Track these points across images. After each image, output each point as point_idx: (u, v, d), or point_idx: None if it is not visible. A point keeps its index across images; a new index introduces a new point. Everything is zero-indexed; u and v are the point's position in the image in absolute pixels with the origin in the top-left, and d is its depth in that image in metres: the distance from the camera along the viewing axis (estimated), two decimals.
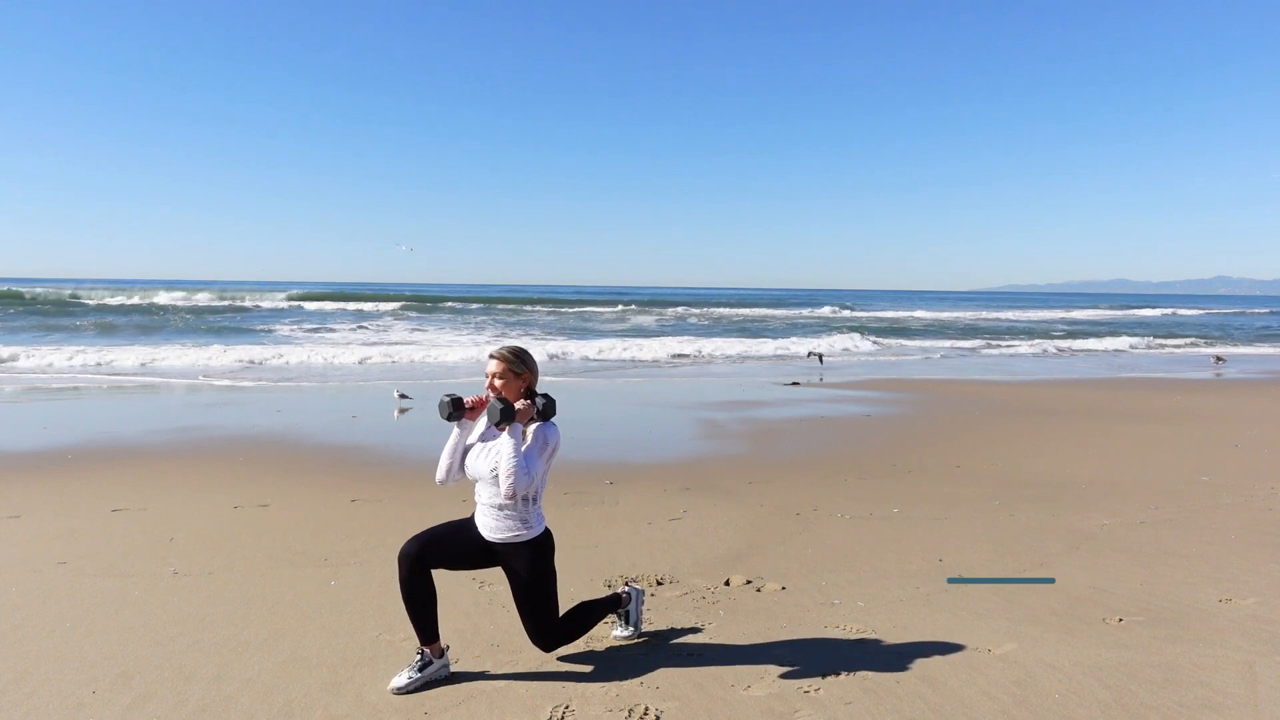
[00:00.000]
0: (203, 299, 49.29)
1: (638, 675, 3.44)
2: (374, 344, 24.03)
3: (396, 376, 16.02)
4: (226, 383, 14.61)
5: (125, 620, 4.00)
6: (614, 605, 3.79)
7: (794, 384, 15.32)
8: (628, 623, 3.86)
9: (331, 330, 31.08)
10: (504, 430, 3.36)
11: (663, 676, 3.43)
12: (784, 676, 3.43)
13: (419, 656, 3.37)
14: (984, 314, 60.15)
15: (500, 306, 55.05)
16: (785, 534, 5.58)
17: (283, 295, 57.04)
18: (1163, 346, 29.86)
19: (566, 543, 5.34)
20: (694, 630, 3.93)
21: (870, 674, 3.44)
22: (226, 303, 48.48)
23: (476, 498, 3.49)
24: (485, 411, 3.43)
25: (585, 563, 4.92)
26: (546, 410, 3.42)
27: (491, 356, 3.50)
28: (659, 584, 4.58)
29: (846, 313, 58.02)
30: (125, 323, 30.92)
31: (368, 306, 49.20)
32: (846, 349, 26.39)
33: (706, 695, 3.27)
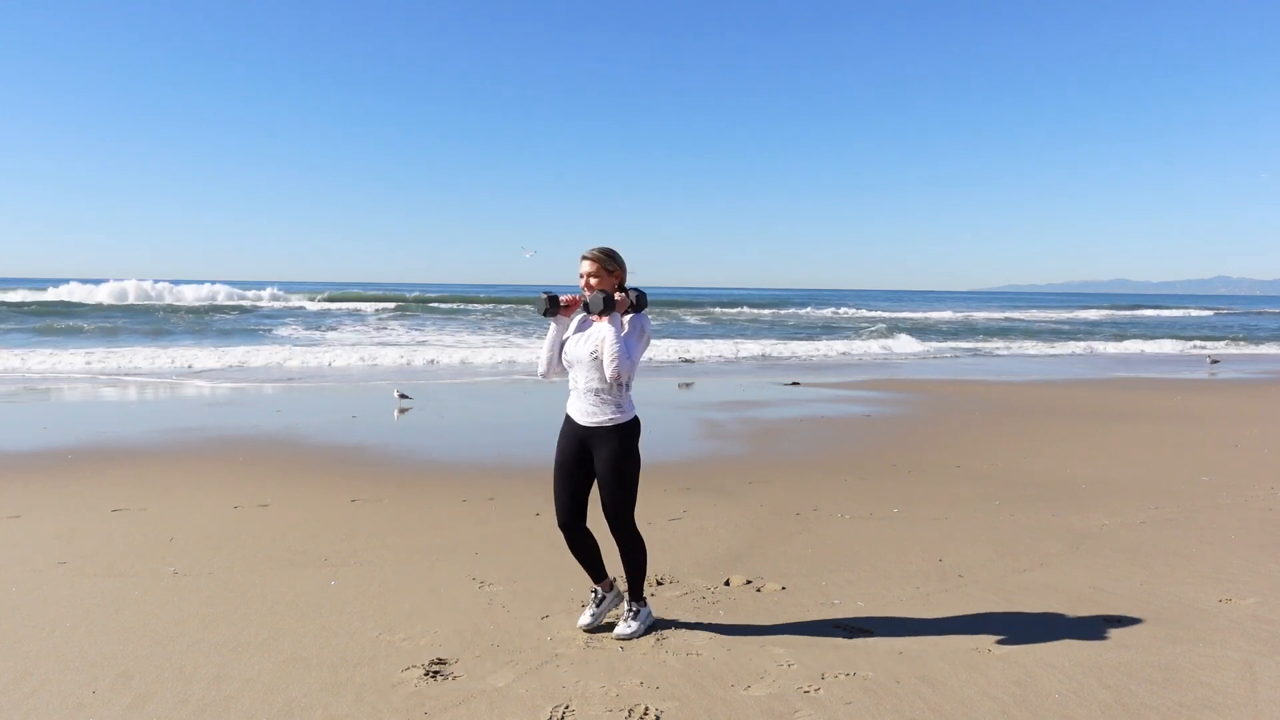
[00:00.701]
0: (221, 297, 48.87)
1: (638, 675, 3.44)
2: (366, 345, 23.96)
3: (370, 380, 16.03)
4: (207, 384, 14.61)
5: (125, 620, 4.00)
6: (640, 588, 3.93)
7: (794, 384, 15.32)
8: (635, 619, 3.87)
9: (332, 330, 31.05)
10: (603, 320, 3.68)
11: (663, 676, 3.43)
12: (784, 676, 3.43)
13: (594, 595, 3.99)
14: (1013, 314, 58.73)
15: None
16: (785, 534, 5.58)
17: (302, 295, 56.72)
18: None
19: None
20: (694, 630, 3.93)
21: (870, 674, 3.44)
22: (238, 302, 48.14)
23: (572, 385, 3.80)
24: (583, 305, 3.70)
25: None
26: (640, 302, 3.71)
27: (584, 257, 3.74)
28: (659, 584, 4.58)
29: (878, 312, 56.23)
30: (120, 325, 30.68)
31: (365, 306, 48.82)
32: (893, 351, 25.42)
33: (706, 695, 3.27)
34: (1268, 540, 5.42)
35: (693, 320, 42.99)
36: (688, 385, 15.19)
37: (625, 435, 3.72)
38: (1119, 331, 38.62)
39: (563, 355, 3.82)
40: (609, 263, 3.72)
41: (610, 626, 3.93)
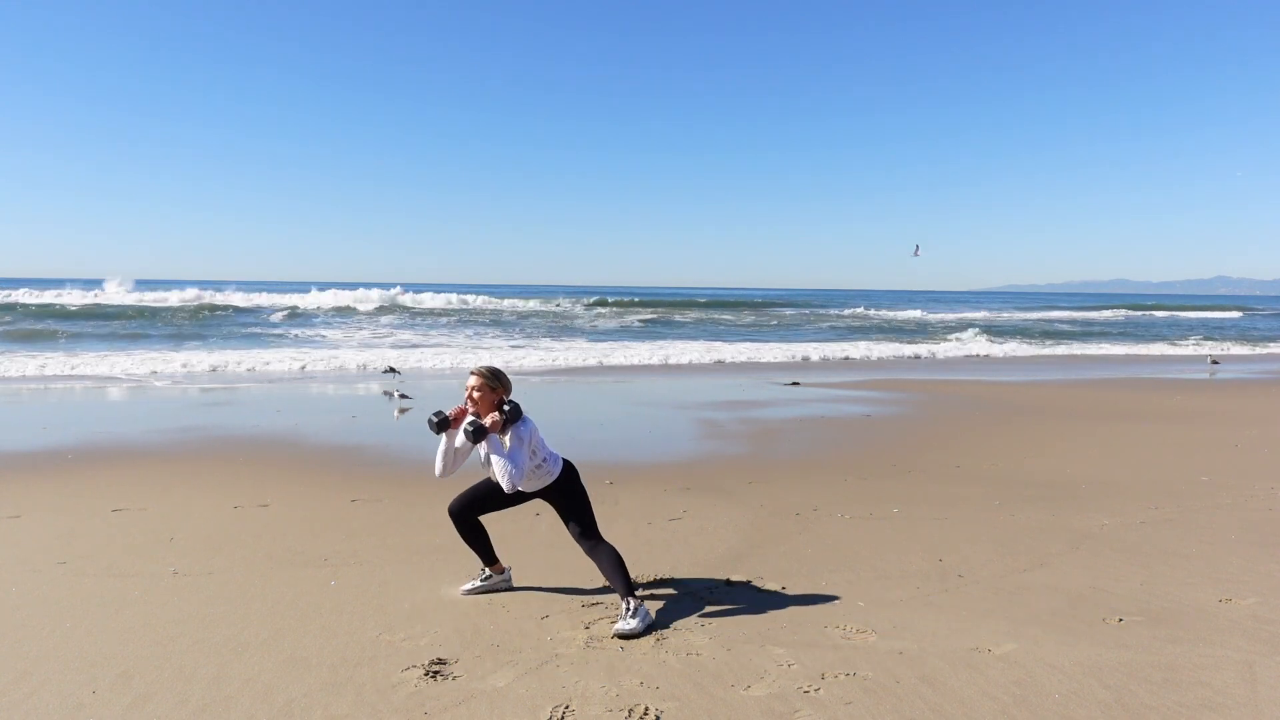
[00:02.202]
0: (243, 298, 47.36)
1: (638, 675, 3.44)
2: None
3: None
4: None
5: (125, 620, 4.00)
6: (628, 585, 4.03)
7: (794, 384, 15.32)
8: (634, 615, 3.87)
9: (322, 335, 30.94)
10: (483, 444, 4.08)
11: (663, 676, 3.43)
12: (784, 676, 3.42)
13: (481, 573, 4.47)
14: (1051, 314, 57.53)
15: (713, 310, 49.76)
16: (785, 534, 5.58)
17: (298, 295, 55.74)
18: None
19: (567, 542, 5.34)
20: (694, 630, 3.93)
21: (870, 674, 3.44)
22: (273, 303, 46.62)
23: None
24: (461, 430, 4.09)
25: (585, 562, 4.91)
26: (513, 415, 4.06)
27: (472, 373, 4.20)
28: (659, 584, 4.58)
29: (908, 312, 53.84)
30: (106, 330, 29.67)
31: (362, 307, 47.92)
32: (979, 354, 25.13)
33: (706, 695, 3.27)
34: (1268, 540, 5.42)
35: (745, 320, 41.47)
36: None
37: (564, 481, 4.24)
38: (1204, 335, 36.67)
39: (460, 461, 4.28)
40: (492, 380, 4.14)
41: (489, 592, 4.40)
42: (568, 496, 4.22)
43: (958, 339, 30.67)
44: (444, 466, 4.25)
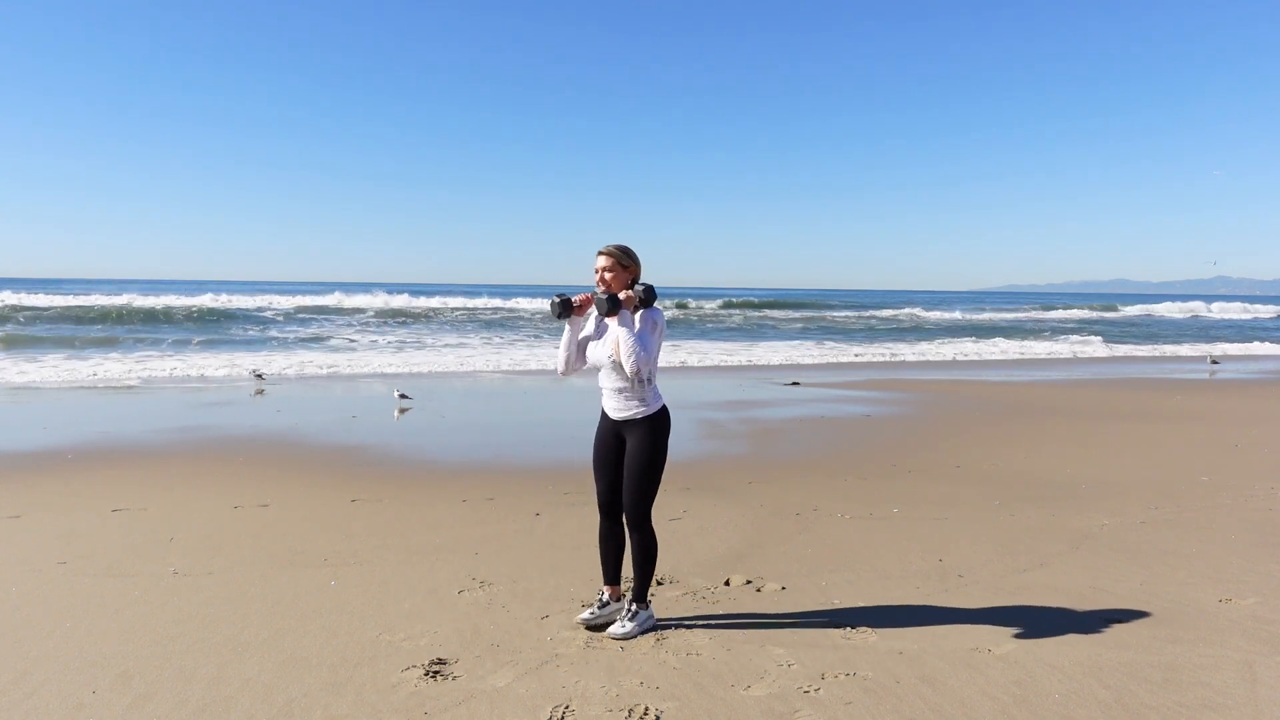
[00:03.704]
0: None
1: (638, 675, 3.44)
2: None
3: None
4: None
5: (125, 620, 4.00)
6: (644, 588, 3.96)
7: (794, 384, 15.32)
8: (632, 620, 3.86)
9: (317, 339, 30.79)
10: (615, 320, 3.74)
11: (663, 676, 3.43)
12: (784, 676, 3.42)
13: (599, 597, 4.04)
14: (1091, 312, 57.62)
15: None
16: (785, 534, 5.58)
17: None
18: None
19: (567, 543, 5.34)
20: (694, 630, 3.93)
21: (870, 674, 3.44)
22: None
23: (601, 384, 3.94)
24: (594, 304, 3.79)
25: (585, 562, 4.91)
26: (649, 296, 3.77)
27: (600, 253, 3.85)
28: (659, 584, 4.57)
29: (935, 313, 53.34)
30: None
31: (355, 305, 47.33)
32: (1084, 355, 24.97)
33: (706, 695, 3.27)
34: (1268, 540, 5.42)
35: (794, 322, 40.99)
36: None
37: (654, 426, 3.88)
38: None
39: (584, 356, 3.98)
40: (624, 258, 3.83)
41: (604, 627, 3.93)
42: (648, 446, 3.85)
43: (1074, 339, 30.90)
44: (566, 359, 3.96)
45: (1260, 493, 6.78)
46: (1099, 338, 31.62)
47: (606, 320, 3.85)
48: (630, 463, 3.87)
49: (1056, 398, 13.64)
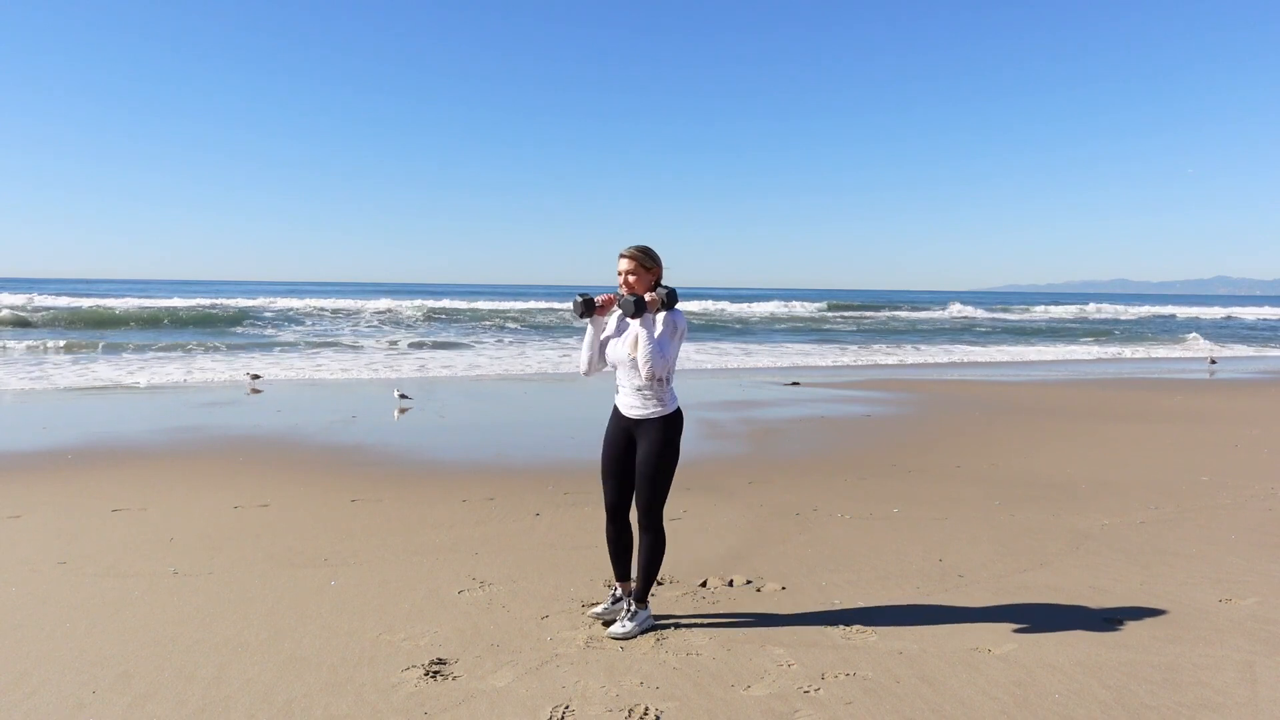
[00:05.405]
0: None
1: (638, 675, 3.44)
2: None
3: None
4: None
5: (125, 620, 4.00)
6: (646, 589, 3.99)
7: (794, 384, 15.31)
8: (632, 619, 3.86)
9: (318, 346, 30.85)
10: (637, 321, 3.75)
11: (662, 676, 3.43)
12: (784, 676, 3.42)
13: (613, 592, 4.08)
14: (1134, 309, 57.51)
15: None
16: (785, 534, 5.58)
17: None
18: None
19: (567, 543, 5.34)
20: (694, 630, 3.93)
21: (870, 674, 3.44)
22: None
23: (618, 383, 3.96)
24: (617, 306, 3.81)
25: (585, 562, 4.92)
26: (671, 299, 3.78)
27: (622, 255, 3.84)
28: (659, 584, 4.57)
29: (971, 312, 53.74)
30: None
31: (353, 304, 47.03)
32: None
33: (706, 695, 3.27)
34: (1268, 540, 5.42)
35: (845, 325, 40.19)
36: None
37: (668, 427, 3.87)
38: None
39: (605, 355, 3.99)
40: (646, 260, 3.83)
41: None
42: (663, 446, 3.84)
43: (1187, 338, 31.16)
44: (589, 359, 3.99)
45: (1260, 493, 6.78)
46: (1204, 339, 31.61)
47: (630, 321, 3.86)
48: (644, 464, 3.87)
49: (1057, 398, 13.64)
